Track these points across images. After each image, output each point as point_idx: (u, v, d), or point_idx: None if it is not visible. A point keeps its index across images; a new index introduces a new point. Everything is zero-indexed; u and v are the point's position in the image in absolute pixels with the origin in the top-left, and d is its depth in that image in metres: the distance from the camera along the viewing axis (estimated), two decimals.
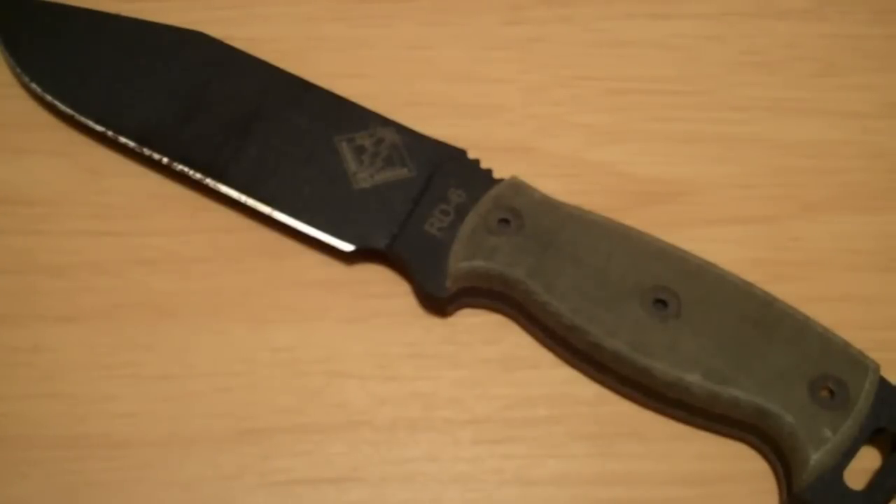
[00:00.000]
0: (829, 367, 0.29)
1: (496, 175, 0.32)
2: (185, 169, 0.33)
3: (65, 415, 0.30)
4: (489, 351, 0.32)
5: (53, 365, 0.31)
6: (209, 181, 0.33)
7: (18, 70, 0.34)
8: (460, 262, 0.31)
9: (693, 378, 0.29)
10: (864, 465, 0.29)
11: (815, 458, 0.28)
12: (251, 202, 0.32)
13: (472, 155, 0.33)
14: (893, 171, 0.35)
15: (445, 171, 0.32)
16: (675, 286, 0.30)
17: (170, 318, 0.32)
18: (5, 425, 0.30)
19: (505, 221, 0.31)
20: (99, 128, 0.33)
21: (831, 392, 0.29)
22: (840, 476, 0.28)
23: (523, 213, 0.31)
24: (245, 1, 0.37)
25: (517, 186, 0.32)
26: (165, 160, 0.33)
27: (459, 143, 0.33)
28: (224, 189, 0.32)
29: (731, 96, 0.36)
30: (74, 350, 0.31)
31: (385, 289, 0.32)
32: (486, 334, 0.32)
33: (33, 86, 0.34)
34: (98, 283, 0.32)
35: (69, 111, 0.34)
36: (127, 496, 0.30)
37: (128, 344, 0.31)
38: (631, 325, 0.29)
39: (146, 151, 0.33)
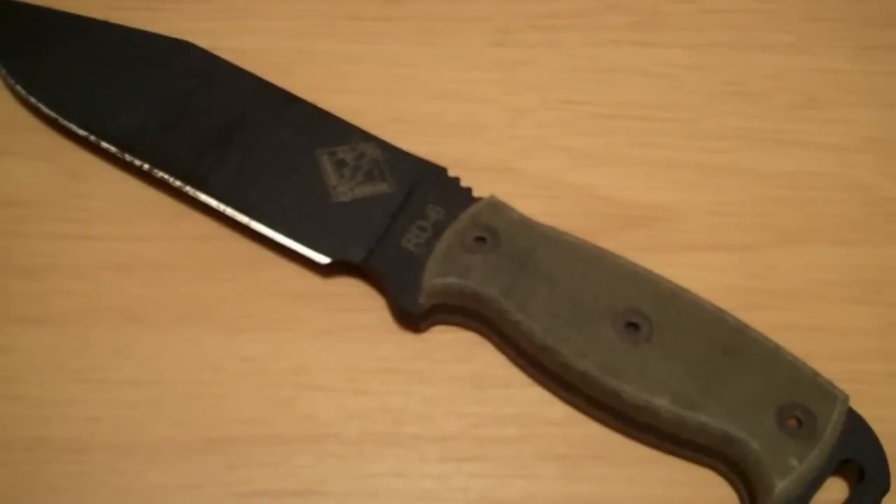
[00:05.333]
0: (798, 397, 0.29)
1: (476, 194, 0.33)
2: (166, 176, 0.33)
3: (29, 417, 0.30)
4: (461, 368, 0.31)
5: (20, 366, 0.31)
6: (189, 189, 0.33)
7: (4, 71, 0.34)
8: (435, 279, 0.31)
9: (661, 402, 0.29)
10: (830, 497, 0.29)
11: (781, 486, 0.28)
12: (230, 211, 0.32)
13: (454, 173, 0.33)
14: (869, 204, 0.35)
15: (425, 187, 0.32)
16: (647, 310, 0.30)
17: (140, 323, 0.32)
18: None
19: (481, 240, 0.31)
20: (82, 132, 0.33)
21: (799, 421, 0.28)
22: None
23: (500, 232, 0.31)
24: (234, 13, 0.37)
25: (495, 206, 0.32)
26: (146, 166, 0.33)
27: (442, 161, 0.33)
28: (203, 197, 0.32)
29: (712, 125, 0.36)
30: (42, 353, 0.31)
31: (359, 303, 0.32)
32: (459, 352, 0.32)
33: (18, 88, 0.34)
34: (71, 287, 0.32)
35: (53, 114, 0.34)
36: (88, 502, 0.29)
37: (96, 348, 0.31)
38: (602, 346, 0.29)
39: (127, 157, 0.33)
